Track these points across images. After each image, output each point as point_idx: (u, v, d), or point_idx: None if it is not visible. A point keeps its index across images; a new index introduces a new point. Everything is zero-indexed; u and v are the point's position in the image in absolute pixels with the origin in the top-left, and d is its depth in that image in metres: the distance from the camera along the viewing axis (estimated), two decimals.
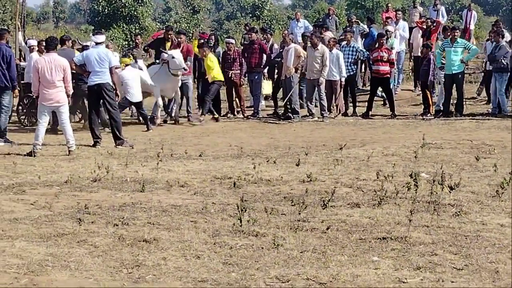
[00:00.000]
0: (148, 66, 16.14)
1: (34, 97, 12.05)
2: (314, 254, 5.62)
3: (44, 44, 13.25)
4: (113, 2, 40.06)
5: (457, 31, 16.32)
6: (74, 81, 12.82)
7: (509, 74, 15.69)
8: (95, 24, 41.08)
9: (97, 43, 12.42)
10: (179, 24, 42.34)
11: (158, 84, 14.91)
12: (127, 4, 40.01)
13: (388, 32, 18.10)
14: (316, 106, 16.32)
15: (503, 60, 15.59)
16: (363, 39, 19.61)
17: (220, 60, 16.70)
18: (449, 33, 16.41)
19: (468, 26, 23.04)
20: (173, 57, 14.93)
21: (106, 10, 40.20)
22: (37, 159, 10.87)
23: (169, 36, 16.27)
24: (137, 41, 18.05)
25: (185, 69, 15.12)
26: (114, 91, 12.24)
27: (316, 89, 15.91)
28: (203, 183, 8.71)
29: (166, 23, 49.09)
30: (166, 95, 15.48)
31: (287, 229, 6.37)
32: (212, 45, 17.46)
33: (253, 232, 6.25)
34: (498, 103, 15.76)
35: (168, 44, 15.95)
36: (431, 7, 24.45)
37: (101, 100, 12.29)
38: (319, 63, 15.65)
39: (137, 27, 39.21)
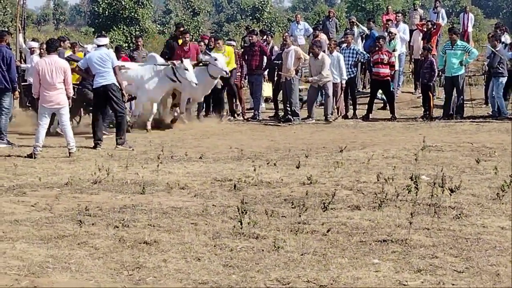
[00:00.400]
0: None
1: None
2: (314, 257, 5.62)
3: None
4: (114, 4, 40.10)
5: (451, 33, 16.28)
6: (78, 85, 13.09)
7: (506, 77, 15.69)
8: (96, 26, 41.12)
9: (99, 45, 12.49)
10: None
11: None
12: (127, 6, 40.05)
13: (391, 34, 18.12)
14: (319, 106, 16.37)
15: (499, 66, 15.60)
16: (363, 41, 19.64)
17: None
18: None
19: (466, 28, 23.03)
20: (215, 59, 14.78)
21: (106, 12, 40.24)
22: (38, 161, 10.87)
23: (181, 33, 16.28)
24: (138, 43, 18.05)
25: (227, 73, 14.96)
26: (120, 91, 12.30)
27: (323, 92, 16.01)
28: (204, 185, 8.71)
29: (166, 25, 49.21)
30: (195, 97, 15.44)
31: (288, 231, 6.37)
32: (212, 47, 17.45)
33: (254, 234, 6.25)
34: (497, 106, 15.78)
35: (180, 41, 15.94)
36: (431, 9, 24.46)
37: (108, 101, 12.31)
38: (320, 71, 15.72)
39: (137, 29, 39.24)
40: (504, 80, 15.66)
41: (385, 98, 17.44)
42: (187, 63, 14.54)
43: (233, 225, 6.52)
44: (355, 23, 20.52)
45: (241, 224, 6.37)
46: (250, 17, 51.22)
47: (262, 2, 50.86)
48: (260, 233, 6.28)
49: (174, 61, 14.71)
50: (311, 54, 16.15)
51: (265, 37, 18.44)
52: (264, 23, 47.34)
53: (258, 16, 50.20)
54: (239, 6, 58.00)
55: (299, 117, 15.99)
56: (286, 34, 18.24)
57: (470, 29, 23.81)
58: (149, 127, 14.59)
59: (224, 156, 11.19)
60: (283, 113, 16.51)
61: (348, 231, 6.38)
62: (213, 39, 17.12)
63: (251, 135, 14.18)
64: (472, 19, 24.99)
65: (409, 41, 20.16)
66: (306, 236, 6.22)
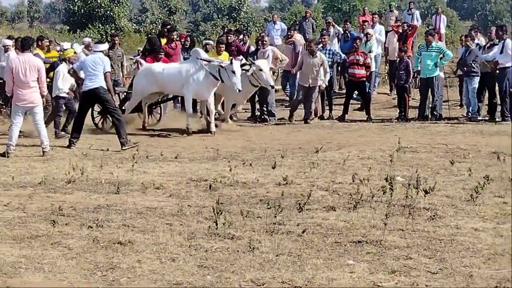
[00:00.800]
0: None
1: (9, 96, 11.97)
2: (289, 258, 5.63)
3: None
4: (89, 2, 39.84)
5: (427, 35, 16.40)
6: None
7: (479, 78, 15.80)
8: (71, 24, 40.82)
9: (95, 51, 12.50)
10: (156, 25, 42.21)
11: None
12: (103, 5, 39.81)
13: (368, 35, 18.20)
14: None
15: (472, 64, 15.72)
16: (340, 42, 19.66)
17: None
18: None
19: (438, 30, 23.18)
20: (260, 69, 14.12)
21: (82, 10, 39.97)
22: (11, 159, 10.77)
23: (165, 31, 16.03)
24: (115, 41, 17.88)
25: (272, 87, 14.58)
26: (110, 95, 12.22)
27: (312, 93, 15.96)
28: (179, 185, 8.68)
29: (142, 24, 48.96)
30: (238, 101, 15.36)
31: (263, 232, 6.37)
32: (187, 46, 17.37)
33: (229, 235, 6.24)
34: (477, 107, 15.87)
35: (164, 41, 15.72)
36: (405, 11, 24.62)
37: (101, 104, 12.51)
38: (317, 69, 15.63)
39: (113, 28, 39.00)
40: (477, 80, 15.75)
41: (360, 98, 17.48)
42: (237, 65, 13.52)
43: (208, 225, 6.50)
44: (331, 24, 20.57)
45: (216, 224, 6.36)
46: (227, 17, 51.16)
47: (239, 2, 50.85)
48: (235, 234, 6.27)
49: (221, 61, 13.86)
50: (306, 52, 16.07)
51: (241, 36, 18.40)
52: (240, 22, 47.31)
53: (235, 15, 50.18)
54: (215, 6, 57.85)
55: (275, 117, 16.00)
56: (263, 34, 18.23)
57: (442, 31, 24.00)
58: (213, 129, 13.90)
59: (200, 156, 11.15)
60: (259, 113, 16.50)
61: (323, 232, 6.39)
62: (215, 43, 16.56)
63: (227, 135, 14.13)
64: (445, 21, 25.19)
65: (385, 43, 20.24)
66: (281, 236, 6.23)
